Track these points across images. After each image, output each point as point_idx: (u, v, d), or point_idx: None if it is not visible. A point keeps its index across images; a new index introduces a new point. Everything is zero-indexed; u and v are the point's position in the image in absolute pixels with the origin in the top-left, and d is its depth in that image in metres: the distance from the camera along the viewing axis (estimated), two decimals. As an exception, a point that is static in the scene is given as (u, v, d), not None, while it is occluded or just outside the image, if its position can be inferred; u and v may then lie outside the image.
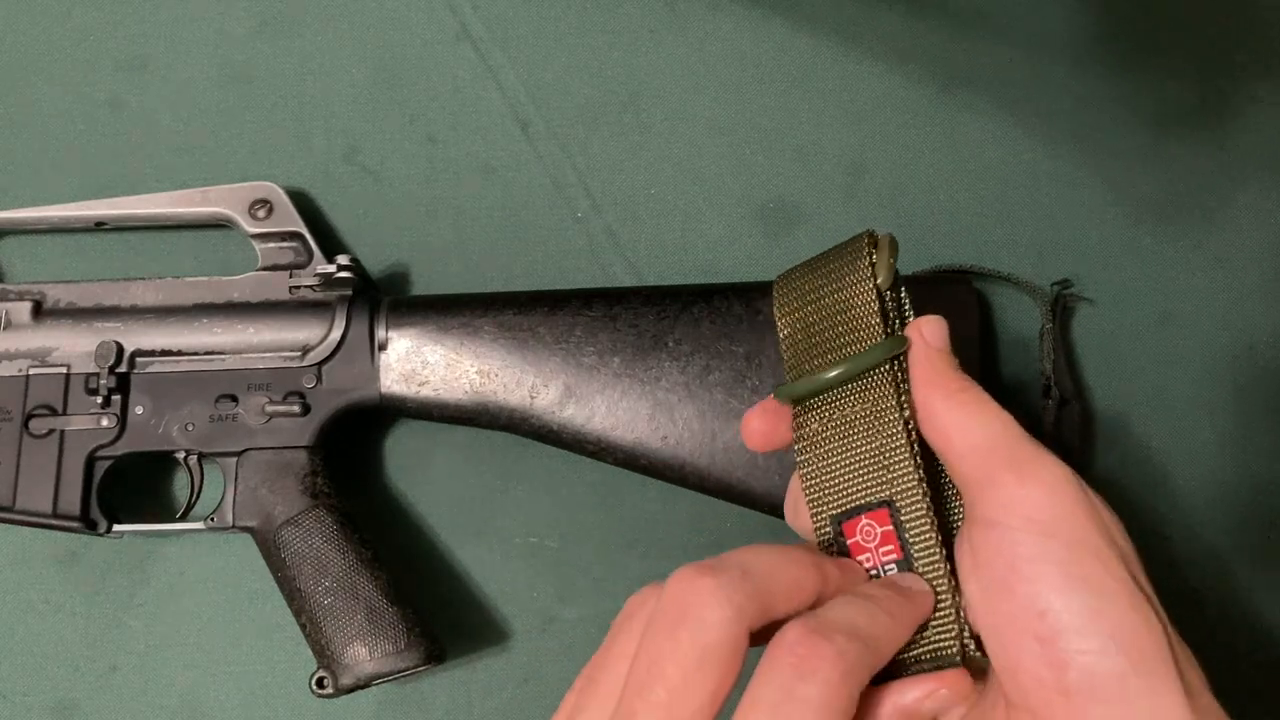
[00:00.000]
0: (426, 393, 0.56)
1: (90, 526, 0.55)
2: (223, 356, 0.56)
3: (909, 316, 0.39)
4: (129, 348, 0.56)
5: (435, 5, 0.66)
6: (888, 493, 0.36)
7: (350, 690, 0.52)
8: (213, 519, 0.55)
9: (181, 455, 0.56)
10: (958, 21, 0.65)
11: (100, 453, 0.55)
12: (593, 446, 0.55)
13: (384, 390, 0.56)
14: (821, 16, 0.65)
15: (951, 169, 0.63)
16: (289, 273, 0.58)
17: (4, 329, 0.57)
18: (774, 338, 0.55)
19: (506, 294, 0.58)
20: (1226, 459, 0.59)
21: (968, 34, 0.65)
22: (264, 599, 0.58)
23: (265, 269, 0.58)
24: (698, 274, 0.62)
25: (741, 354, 0.55)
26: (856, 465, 0.37)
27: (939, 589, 0.35)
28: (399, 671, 0.52)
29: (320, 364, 0.56)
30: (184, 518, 0.57)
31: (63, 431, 0.55)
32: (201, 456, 0.56)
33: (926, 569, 0.35)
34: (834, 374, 0.38)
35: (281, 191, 0.59)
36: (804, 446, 0.38)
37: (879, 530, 0.36)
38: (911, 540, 0.36)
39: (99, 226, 0.60)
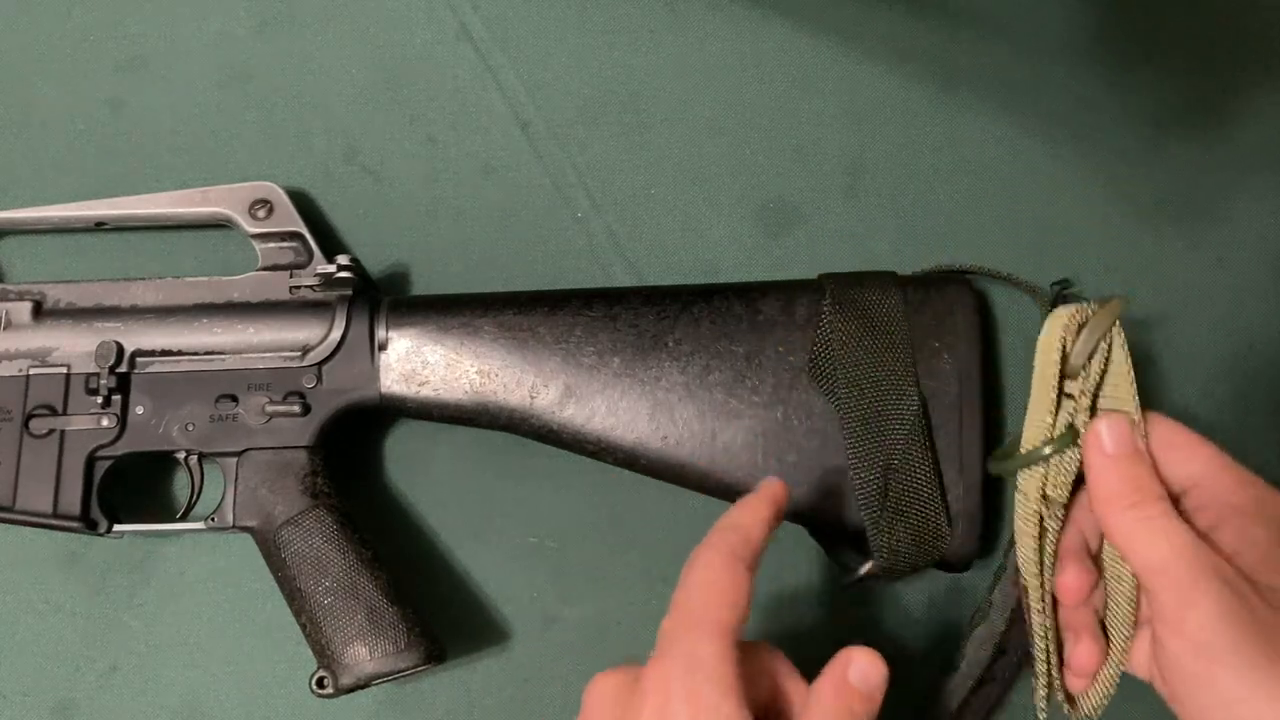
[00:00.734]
0: (426, 393, 0.56)
1: (90, 526, 0.55)
2: (223, 356, 0.56)
3: (1119, 372, 0.44)
4: (129, 348, 0.56)
5: (435, 5, 0.66)
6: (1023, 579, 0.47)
7: (350, 690, 0.52)
8: (213, 519, 0.55)
9: (182, 455, 0.56)
10: (958, 21, 0.65)
11: (100, 453, 0.55)
12: (593, 446, 0.55)
13: (384, 390, 0.56)
14: (821, 16, 0.65)
15: (951, 169, 0.63)
16: (289, 273, 0.58)
17: (4, 329, 0.57)
18: (774, 338, 0.55)
19: (506, 294, 0.58)
20: (1226, 459, 0.59)
21: (968, 34, 0.65)
22: (264, 599, 0.58)
23: (265, 269, 0.58)
24: (698, 274, 0.62)
25: (741, 354, 0.55)
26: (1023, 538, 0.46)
27: (1040, 657, 0.47)
28: (399, 671, 0.52)
29: (320, 364, 0.56)
30: (184, 518, 0.57)
31: (63, 431, 0.55)
32: (202, 456, 0.56)
33: (1036, 638, 0.47)
34: (991, 466, 0.48)
35: (281, 191, 0.59)
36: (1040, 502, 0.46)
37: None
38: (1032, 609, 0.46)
39: (99, 226, 0.60)
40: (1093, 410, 0.44)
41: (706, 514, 0.58)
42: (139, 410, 0.56)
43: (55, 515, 0.55)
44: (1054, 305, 0.58)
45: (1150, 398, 0.60)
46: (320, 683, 0.53)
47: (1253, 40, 0.65)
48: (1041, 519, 0.44)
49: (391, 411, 0.57)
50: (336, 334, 0.56)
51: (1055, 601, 0.46)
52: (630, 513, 0.60)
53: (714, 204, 0.63)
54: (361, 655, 0.52)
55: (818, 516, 0.54)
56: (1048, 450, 0.43)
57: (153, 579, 0.60)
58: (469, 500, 0.60)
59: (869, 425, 0.54)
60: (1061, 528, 0.45)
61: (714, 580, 0.40)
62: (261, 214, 0.59)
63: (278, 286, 0.58)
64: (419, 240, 0.63)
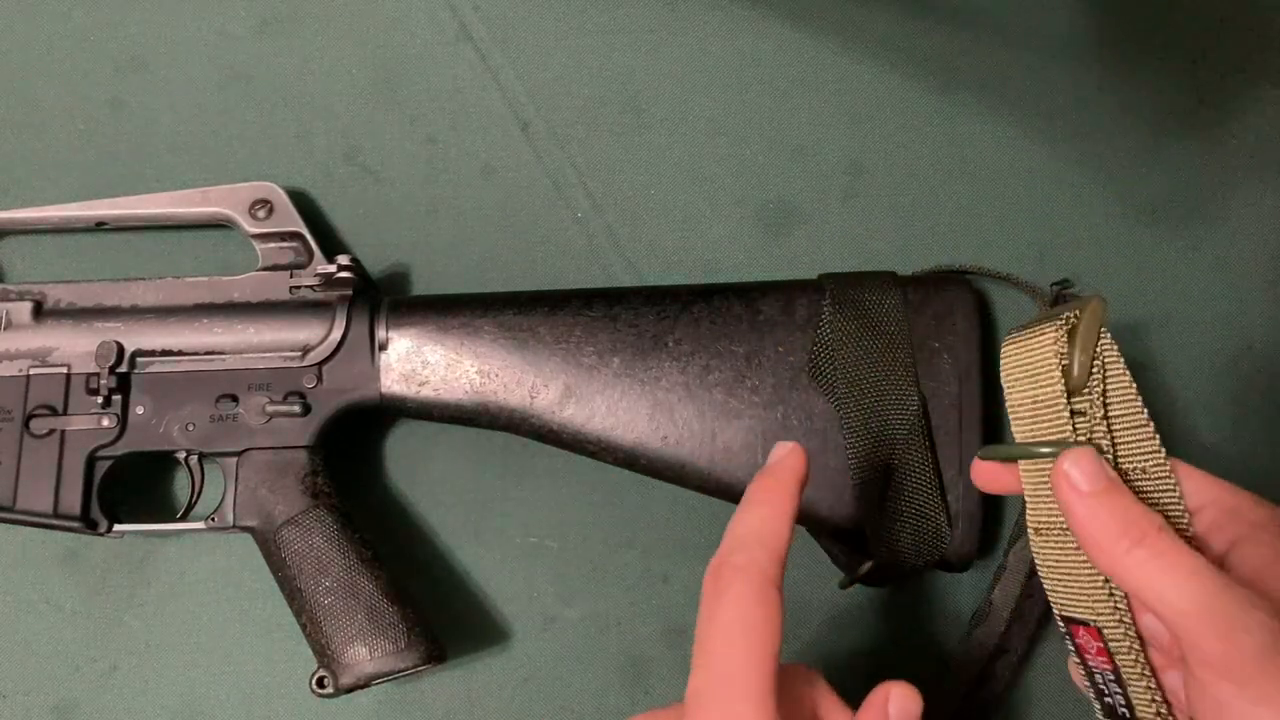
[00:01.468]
0: (426, 393, 0.56)
1: (91, 526, 0.55)
2: (223, 356, 0.56)
3: (1117, 376, 0.39)
4: (129, 348, 0.56)
5: (435, 5, 0.66)
6: (1093, 617, 0.38)
7: (350, 690, 0.52)
8: (213, 519, 0.55)
9: (182, 455, 0.56)
10: (958, 21, 0.65)
11: (101, 453, 0.55)
12: (593, 446, 0.55)
13: (384, 390, 0.56)
14: (821, 16, 0.65)
15: (951, 169, 0.63)
16: (289, 273, 0.58)
17: (4, 329, 0.57)
18: (774, 338, 0.55)
19: (506, 294, 0.58)
20: (1226, 459, 0.59)
21: (968, 34, 0.65)
22: (264, 599, 0.58)
23: (265, 269, 0.58)
24: (698, 274, 0.62)
25: (741, 354, 0.55)
26: (1071, 576, 0.38)
27: (1145, 710, 0.37)
28: (399, 671, 0.52)
29: (320, 364, 0.56)
30: (184, 518, 0.57)
31: (63, 431, 0.55)
32: (202, 456, 0.56)
33: (1137, 694, 0.37)
34: (1001, 453, 0.40)
35: (281, 191, 0.59)
36: (1034, 536, 0.40)
37: (1094, 644, 0.38)
38: (1122, 664, 0.38)
39: (99, 226, 0.60)
40: (1107, 421, 0.40)
41: (706, 514, 0.59)
42: (139, 410, 0.56)
43: (55, 515, 0.55)
44: (1054, 305, 0.59)
45: (1150, 399, 0.60)
46: (320, 683, 0.53)
47: (1252, 40, 0.65)
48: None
49: (391, 411, 0.57)
50: (337, 334, 0.56)
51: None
52: (630, 513, 0.60)
53: (714, 204, 0.63)
54: (361, 655, 0.52)
55: (818, 516, 0.54)
56: (1046, 450, 0.39)
57: (153, 579, 0.60)
58: (469, 500, 0.60)
59: (869, 425, 0.54)
60: None
61: (745, 619, 0.34)
62: (261, 214, 0.59)
63: (278, 286, 0.58)
64: (419, 240, 0.63)
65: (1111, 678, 0.38)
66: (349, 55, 0.66)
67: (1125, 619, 0.37)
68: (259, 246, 0.59)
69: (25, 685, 0.59)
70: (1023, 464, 0.40)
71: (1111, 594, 0.37)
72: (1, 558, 0.60)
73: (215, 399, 0.56)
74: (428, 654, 0.53)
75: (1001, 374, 0.42)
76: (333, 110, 0.65)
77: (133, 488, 0.59)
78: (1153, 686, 0.37)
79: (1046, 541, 0.39)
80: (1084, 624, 0.38)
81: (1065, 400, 0.39)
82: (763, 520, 0.37)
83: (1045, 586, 0.40)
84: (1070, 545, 0.38)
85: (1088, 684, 0.40)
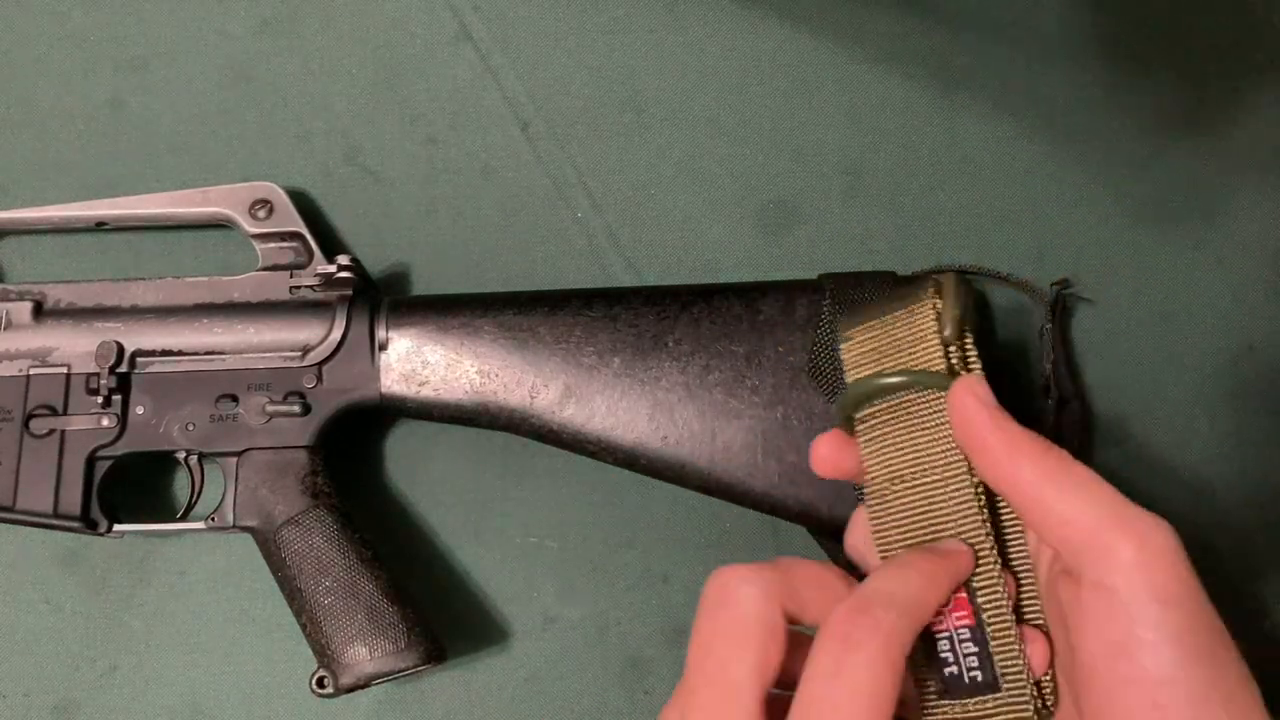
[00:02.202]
0: (426, 393, 0.56)
1: (91, 526, 0.55)
2: (223, 356, 0.56)
3: (973, 366, 0.38)
4: (129, 348, 0.56)
5: (435, 5, 0.66)
6: None
7: (350, 690, 0.52)
8: (213, 519, 0.55)
9: (182, 455, 0.56)
10: (958, 21, 0.65)
11: (101, 453, 0.55)
12: (593, 446, 0.55)
13: (384, 390, 0.56)
14: (821, 16, 0.65)
15: (951, 169, 0.63)
16: (289, 273, 0.58)
17: (4, 329, 0.57)
18: (774, 338, 0.55)
19: (506, 294, 0.58)
20: (1226, 459, 0.59)
21: (968, 34, 0.65)
22: (264, 599, 0.58)
23: (265, 269, 0.58)
24: (698, 274, 0.62)
25: (741, 354, 0.55)
26: (927, 526, 0.37)
27: (1013, 665, 0.35)
28: (399, 671, 0.52)
29: (320, 364, 0.56)
30: (184, 518, 0.57)
31: (63, 431, 0.55)
32: (202, 456, 0.56)
33: (1000, 639, 0.35)
34: (888, 381, 0.37)
35: (281, 191, 0.59)
36: (874, 498, 0.38)
37: (952, 597, 0.36)
38: (987, 605, 0.35)
39: (99, 226, 0.60)
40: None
41: (706, 514, 0.59)
42: (139, 410, 0.56)
43: (55, 515, 0.55)
44: (1054, 305, 0.59)
45: (1149, 398, 0.61)
46: (320, 682, 0.53)
47: (1252, 41, 0.65)
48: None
49: (391, 411, 0.57)
50: (337, 334, 0.56)
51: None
52: (630, 513, 0.60)
53: (714, 204, 0.63)
54: (361, 655, 0.52)
55: (818, 516, 0.54)
56: (931, 377, 0.37)
57: (153, 579, 0.60)
58: (469, 500, 0.60)
59: (869, 425, 0.54)
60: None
61: (877, 688, 0.30)
62: (262, 214, 0.59)
63: (278, 286, 0.58)
64: (419, 240, 0.63)
65: (966, 635, 0.36)
66: (349, 55, 0.66)
67: (995, 553, 0.36)
68: (259, 246, 0.59)
69: (25, 685, 0.59)
70: (881, 411, 0.38)
71: (986, 521, 0.36)
72: (1, 558, 0.60)
73: (215, 399, 0.56)
74: (428, 654, 0.53)
75: (851, 366, 0.40)
76: (333, 110, 0.65)
77: (133, 488, 0.59)
78: (1014, 625, 0.35)
79: (909, 488, 0.37)
80: None
81: (944, 356, 0.37)
82: (918, 588, 0.34)
83: (890, 541, 0.38)
84: (936, 486, 0.37)
85: (924, 664, 0.36)
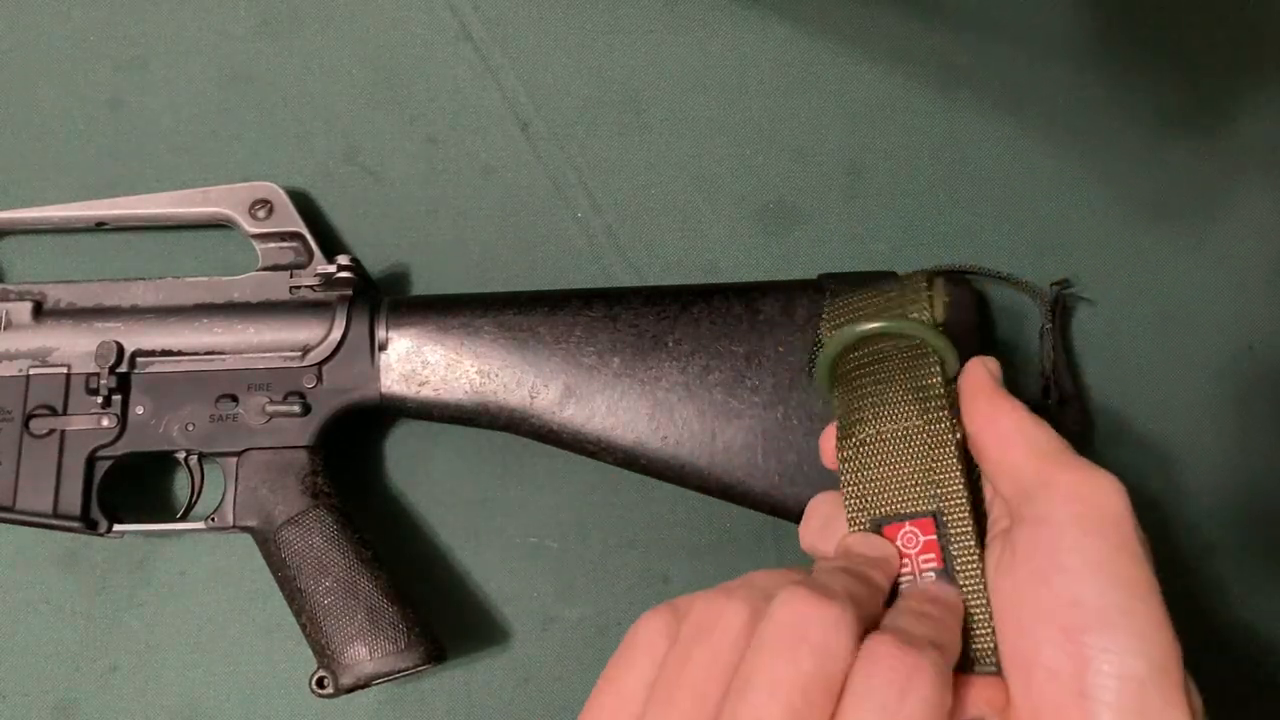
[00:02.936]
0: (426, 393, 0.56)
1: (90, 526, 0.55)
2: (223, 356, 0.56)
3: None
4: (129, 348, 0.56)
5: (435, 5, 0.66)
6: (936, 505, 0.38)
7: (350, 690, 0.52)
8: (213, 519, 0.55)
9: (182, 455, 0.56)
10: (958, 21, 0.65)
11: (101, 453, 0.55)
12: (593, 446, 0.55)
13: (384, 390, 0.56)
14: (821, 16, 0.65)
15: (951, 169, 0.63)
16: (289, 273, 0.58)
17: (4, 329, 0.57)
18: (774, 338, 0.55)
19: (506, 294, 0.58)
20: (1227, 459, 0.59)
21: (968, 34, 0.65)
22: (264, 599, 0.58)
23: (265, 269, 0.58)
24: (698, 274, 0.62)
25: (741, 354, 0.55)
26: (907, 476, 0.39)
27: (977, 599, 0.36)
28: (399, 671, 0.52)
29: (320, 364, 0.56)
30: (184, 518, 0.57)
31: (63, 431, 0.55)
32: (202, 456, 0.56)
33: (967, 579, 0.36)
34: (869, 326, 0.40)
35: (281, 191, 0.59)
36: (852, 453, 0.39)
37: (922, 538, 0.37)
38: (955, 552, 0.37)
39: (99, 226, 0.60)
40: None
41: (706, 514, 0.59)
42: (139, 410, 0.56)
43: (55, 515, 0.55)
44: (1054, 305, 0.59)
45: (1149, 398, 0.61)
46: (320, 683, 0.53)
47: (1253, 40, 0.65)
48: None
49: (391, 411, 0.57)
50: (336, 334, 0.56)
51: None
52: (630, 513, 0.60)
53: (714, 204, 0.63)
54: (361, 655, 0.52)
55: (818, 516, 0.54)
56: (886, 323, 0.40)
57: (153, 579, 0.60)
58: (469, 500, 0.60)
59: (869, 425, 0.54)
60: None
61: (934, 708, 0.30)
62: (261, 214, 0.59)
63: (278, 286, 0.58)
64: (419, 240, 0.63)
65: (930, 572, 0.37)
66: (349, 55, 0.66)
67: (967, 501, 0.37)
68: (259, 246, 0.59)
69: (25, 685, 0.59)
70: (862, 360, 0.41)
71: (961, 472, 0.38)
72: (1, 558, 0.60)
73: (215, 399, 0.56)
74: (428, 654, 0.53)
75: (829, 321, 0.42)
76: (333, 110, 0.65)
77: (133, 488, 0.59)
78: (982, 575, 0.36)
79: (878, 453, 0.39)
80: (914, 517, 0.38)
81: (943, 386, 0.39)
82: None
83: (853, 502, 0.39)
84: (914, 448, 0.39)
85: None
